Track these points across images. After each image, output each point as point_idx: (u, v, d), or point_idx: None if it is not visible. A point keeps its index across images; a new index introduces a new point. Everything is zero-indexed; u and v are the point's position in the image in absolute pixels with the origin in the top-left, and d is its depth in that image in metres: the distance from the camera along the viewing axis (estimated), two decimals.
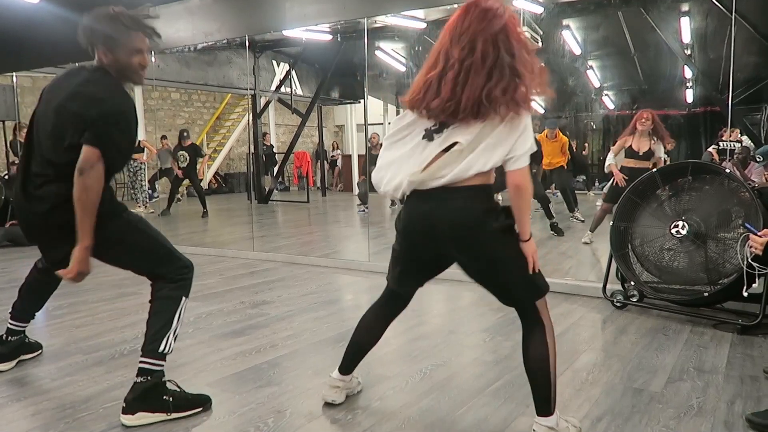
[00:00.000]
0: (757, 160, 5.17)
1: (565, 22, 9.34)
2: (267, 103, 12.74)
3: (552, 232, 6.70)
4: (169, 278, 2.39)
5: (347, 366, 2.39)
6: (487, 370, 2.74)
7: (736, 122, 8.65)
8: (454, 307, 3.95)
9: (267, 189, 12.31)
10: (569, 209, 7.80)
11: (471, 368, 2.79)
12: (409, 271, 2.26)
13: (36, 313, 2.93)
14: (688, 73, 11.14)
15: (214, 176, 14.99)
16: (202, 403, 2.34)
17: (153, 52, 6.82)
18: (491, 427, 2.17)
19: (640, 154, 5.59)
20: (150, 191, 10.71)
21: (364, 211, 9.65)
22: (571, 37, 10.09)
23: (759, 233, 2.30)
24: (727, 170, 3.65)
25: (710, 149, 9.41)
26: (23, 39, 7.00)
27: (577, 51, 10.87)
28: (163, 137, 11.03)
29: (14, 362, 2.84)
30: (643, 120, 5.57)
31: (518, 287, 2.01)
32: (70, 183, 2.07)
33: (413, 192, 1.98)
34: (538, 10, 7.18)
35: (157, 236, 2.43)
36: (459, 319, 3.67)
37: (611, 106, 13.73)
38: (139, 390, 2.21)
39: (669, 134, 5.86)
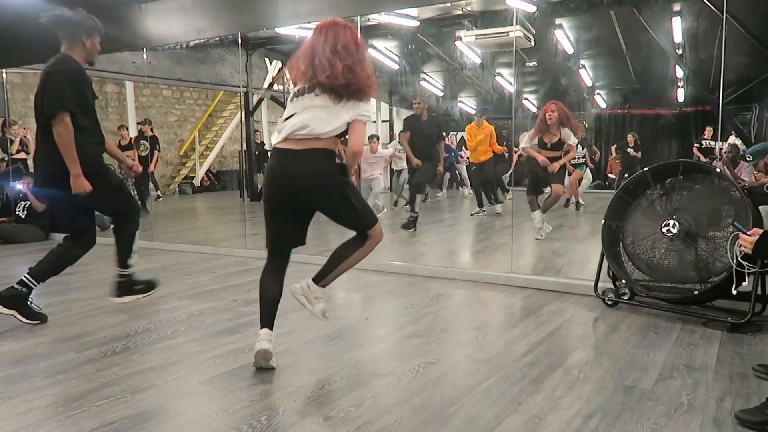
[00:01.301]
0: (747, 159, 5.20)
1: (557, 21, 9.38)
2: (259, 101, 12.70)
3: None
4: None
5: (266, 320, 2.73)
6: (479, 367, 2.76)
7: (727, 122, 8.73)
8: (446, 305, 3.96)
9: (259, 187, 12.27)
10: (484, 202, 8.32)
11: (463, 366, 2.80)
12: None
13: (48, 278, 3.43)
14: (679, 72, 11.22)
15: (206, 174, 14.94)
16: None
17: (145, 49, 6.79)
18: (483, 424, 2.18)
19: (549, 146, 5.87)
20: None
21: None
22: (564, 36, 10.13)
23: (748, 232, 2.32)
24: (718, 169, 3.68)
25: (694, 148, 9.53)
26: (13, 35, 6.94)
27: (570, 50, 10.90)
28: (121, 127, 10.33)
29: (7, 311, 3.25)
30: (550, 113, 5.75)
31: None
32: None
33: None
34: (531, 9, 7.20)
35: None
36: (451, 317, 3.68)
37: (603, 106, 13.80)
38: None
39: (579, 124, 6.14)
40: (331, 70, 2.48)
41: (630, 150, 10.85)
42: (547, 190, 6.18)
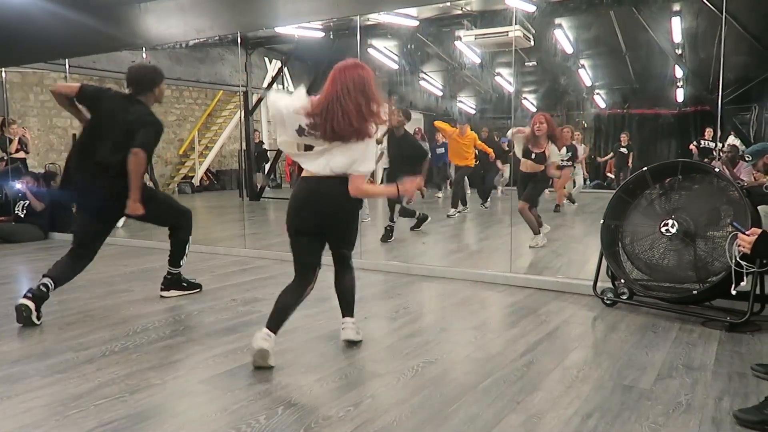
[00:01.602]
0: (747, 159, 5.21)
1: (557, 21, 9.38)
2: (259, 100, 12.69)
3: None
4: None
5: (273, 322, 2.81)
6: (478, 367, 2.76)
7: (726, 122, 8.73)
8: (445, 305, 3.96)
9: (259, 186, 12.27)
10: (453, 204, 8.39)
11: (462, 365, 2.80)
12: None
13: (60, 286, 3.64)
14: (678, 72, 11.22)
15: (205, 173, 14.93)
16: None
17: (144, 48, 6.79)
18: (482, 423, 2.18)
19: (533, 156, 5.77)
20: None
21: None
22: (564, 36, 10.13)
23: (747, 232, 2.32)
24: (717, 169, 3.68)
25: (692, 145, 9.54)
26: (12, 35, 6.94)
27: (569, 50, 10.90)
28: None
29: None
30: (538, 126, 5.70)
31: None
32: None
33: None
34: (531, 8, 7.20)
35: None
36: (450, 316, 3.68)
37: (602, 105, 13.79)
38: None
39: (565, 135, 6.09)
40: (341, 120, 2.68)
41: (623, 150, 10.90)
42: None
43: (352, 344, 3.07)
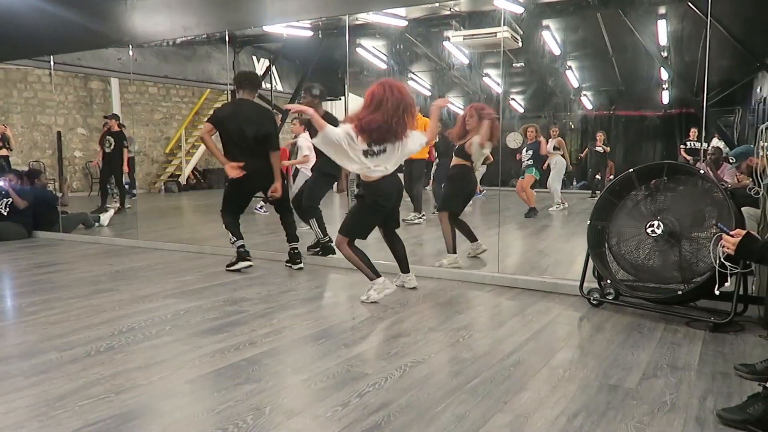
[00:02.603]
0: (730, 161, 5.27)
1: (545, 22, 9.43)
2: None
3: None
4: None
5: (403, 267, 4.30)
6: (465, 367, 2.77)
7: (711, 124, 8.82)
8: (433, 305, 3.97)
9: None
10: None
11: (449, 365, 2.81)
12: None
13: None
14: (664, 75, 11.32)
15: (192, 172, 14.82)
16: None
17: (130, 46, 6.73)
18: (469, 423, 2.19)
19: (456, 147, 5.10)
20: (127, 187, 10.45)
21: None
22: (551, 37, 10.18)
23: (731, 233, 2.35)
24: (701, 171, 3.72)
25: (681, 149, 9.63)
26: None
27: (557, 51, 10.96)
28: None
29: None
30: (468, 118, 4.99)
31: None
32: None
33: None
34: (519, 10, 7.22)
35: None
36: (438, 316, 3.69)
37: (589, 107, 13.88)
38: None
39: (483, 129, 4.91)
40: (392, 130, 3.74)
41: (598, 149, 10.97)
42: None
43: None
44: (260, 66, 12.70)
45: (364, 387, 2.52)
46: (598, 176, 10.81)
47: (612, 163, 11.10)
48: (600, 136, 11.14)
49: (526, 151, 8.60)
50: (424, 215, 7.58)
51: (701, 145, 6.88)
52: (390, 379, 2.61)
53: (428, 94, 13.49)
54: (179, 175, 14.43)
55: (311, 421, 2.21)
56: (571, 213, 9.08)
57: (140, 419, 2.22)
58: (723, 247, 2.39)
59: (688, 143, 9.37)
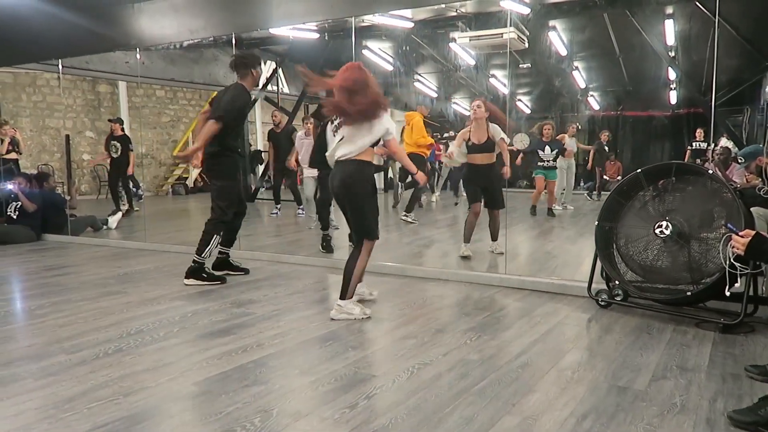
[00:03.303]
0: (739, 161, 5.23)
1: (551, 23, 9.41)
2: (253, 102, 12.66)
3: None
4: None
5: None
6: (472, 369, 2.76)
7: (719, 124, 8.77)
8: (440, 306, 3.96)
9: (253, 188, 12.24)
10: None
11: (457, 367, 2.80)
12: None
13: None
14: (672, 74, 11.27)
15: (199, 174, 14.85)
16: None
17: (138, 49, 6.76)
18: (477, 425, 2.18)
19: (479, 145, 5.29)
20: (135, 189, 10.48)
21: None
22: (558, 38, 10.16)
23: (740, 233, 2.33)
24: (710, 171, 3.70)
25: (687, 148, 9.58)
26: (4, 35, 6.90)
27: (563, 52, 10.94)
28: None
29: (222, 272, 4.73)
30: (475, 108, 5.25)
31: (360, 227, 3.68)
32: None
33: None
34: (525, 11, 7.22)
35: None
36: (445, 318, 3.68)
37: (596, 107, 13.84)
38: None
39: (504, 116, 5.44)
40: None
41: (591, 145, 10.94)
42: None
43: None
44: (267, 68, 12.74)
45: (371, 389, 2.52)
46: (605, 177, 10.79)
47: (620, 163, 11.06)
48: (604, 136, 11.12)
49: (550, 150, 8.36)
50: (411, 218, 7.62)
51: (707, 146, 6.84)
52: (397, 381, 2.61)
53: (434, 95, 13.50)
54: (187, 178, 14.48)
55: (319, 423, 2.21)
56: (578, 214, 9.05)
57: (148, 421, 2.23)
58: (732, 247, 2.37)
59: (694, 144, 9.34)
